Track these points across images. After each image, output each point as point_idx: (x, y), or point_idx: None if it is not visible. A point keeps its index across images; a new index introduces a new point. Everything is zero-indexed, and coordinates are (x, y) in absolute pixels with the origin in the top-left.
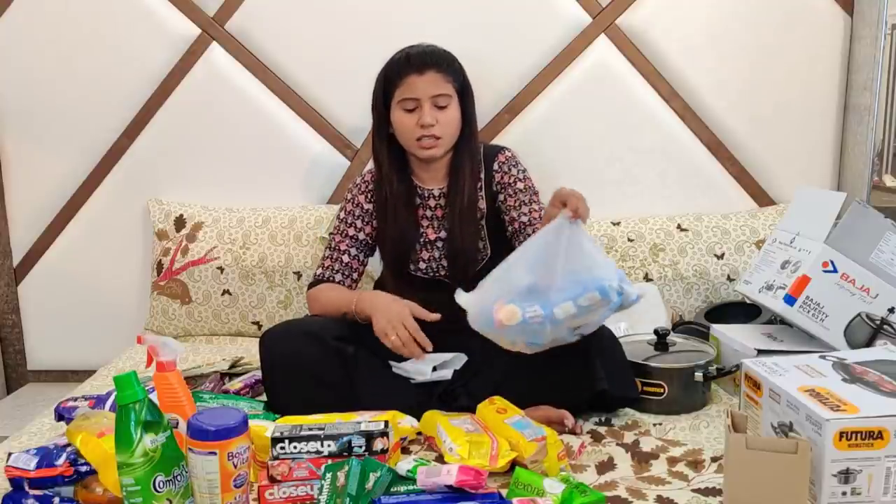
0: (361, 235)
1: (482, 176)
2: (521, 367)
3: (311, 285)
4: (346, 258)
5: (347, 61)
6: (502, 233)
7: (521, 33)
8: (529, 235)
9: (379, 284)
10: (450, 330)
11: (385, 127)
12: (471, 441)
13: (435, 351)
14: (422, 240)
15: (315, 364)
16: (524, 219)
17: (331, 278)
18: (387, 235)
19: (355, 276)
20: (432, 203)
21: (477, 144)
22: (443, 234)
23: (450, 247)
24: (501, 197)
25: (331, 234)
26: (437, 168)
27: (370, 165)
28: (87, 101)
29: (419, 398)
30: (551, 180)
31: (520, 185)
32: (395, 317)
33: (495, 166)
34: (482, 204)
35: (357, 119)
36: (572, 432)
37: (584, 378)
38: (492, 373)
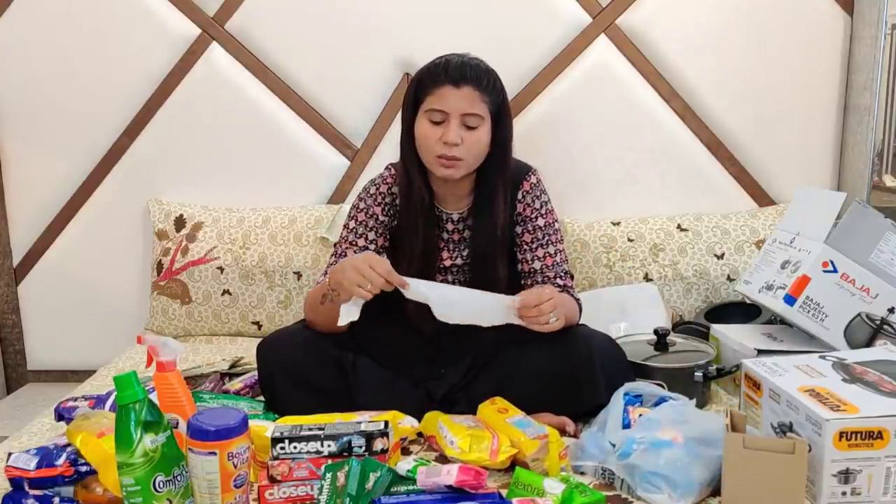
0: (373, 247)
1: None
2: (522, 373)
3: None
4: None
5: (347, 61)
6: (515, 260)
7: (521, 33)
8: (538, 282)
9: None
10: (454, 339)
11: (412, 135)
12: (472, 435)
13: (438, 360)
14: (437, 264)
15: (312, 373)
16: (536, 265)
17: None
18: (407, 255)
19: None
20: (450, 227)
21: (510, 175)
22: (459, 260)
23: (474, 276)
24: (519, 230)
25: (336, 243)
26: (456, 189)
27: (380, 172)
28: (87, 101)
29: (419, 404)
30: (551, 180)
31: (540, 222)
32: (352, 271)
33: (519, 195)
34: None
35: (357, 119)
36: (574, 436)
37: (585, 390)
38: (492, 379)
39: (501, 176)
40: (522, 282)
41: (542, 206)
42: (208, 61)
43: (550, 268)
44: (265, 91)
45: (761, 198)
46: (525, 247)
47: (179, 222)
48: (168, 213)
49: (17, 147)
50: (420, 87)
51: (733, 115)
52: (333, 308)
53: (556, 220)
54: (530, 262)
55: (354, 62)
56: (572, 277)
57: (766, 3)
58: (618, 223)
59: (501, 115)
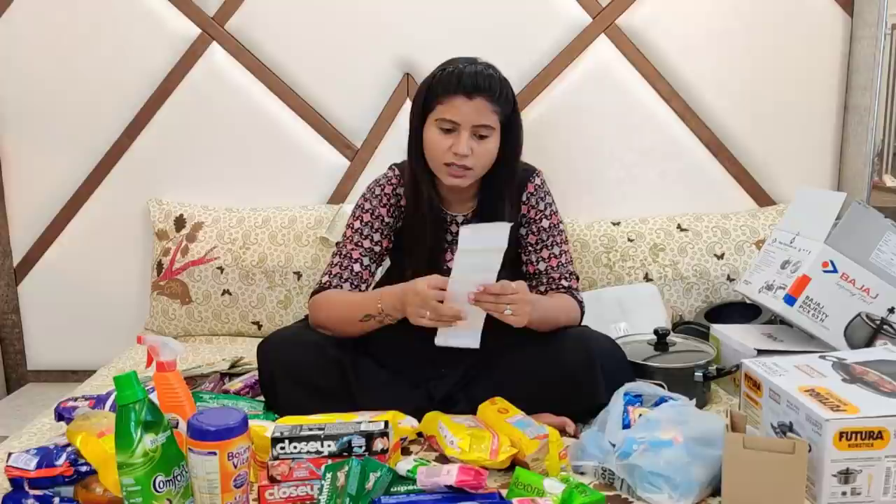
0: (378, 248)
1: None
2: (522, 373)
3: (315, 292)
4: (357, 267)
5: (348, 61)
6: (520, 261)
7: (522, 34)
8: (543, 283)
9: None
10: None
11: (420, 140)
12: (472, 435)
13: (438, 360)
14: (442, 266)
15: (312, 373)
16: (541, 266)
17: (338, 286)
18: (414, 257)
19: (363, 286)
20: (454, 229)
21: (516, 181)
22: None
23: None
24: (524, 231)
25: (338, 243)
26: (462, 192)
27: (384, 173)
28: (87, 101)
29: (419, 404)
30: (552, 180)
31: (544, 223)
32: (415, 301)
33: (524, 197)
34: None
35: (357, 119)
36: (574, 436)
37: (585, 390)
38: (491, 379)
39: (509, 182)
40: (528, 283)
41: (546, 208)
42: (208, 61)
43: (555, 269)
44: (265, 91)
45: (761, 198)
46: (530, 248)
47: (179, 222)
48: (168, 213)
49: (17, 147)
50: (430, 94)
51: (733, 115)
52: (374, 326)
53: (561, 222)
54: (535, 264)
55: (355, 62)
56: (578, 279)
57: (765, 3)
58: (618, 223)
59: (512, 123)
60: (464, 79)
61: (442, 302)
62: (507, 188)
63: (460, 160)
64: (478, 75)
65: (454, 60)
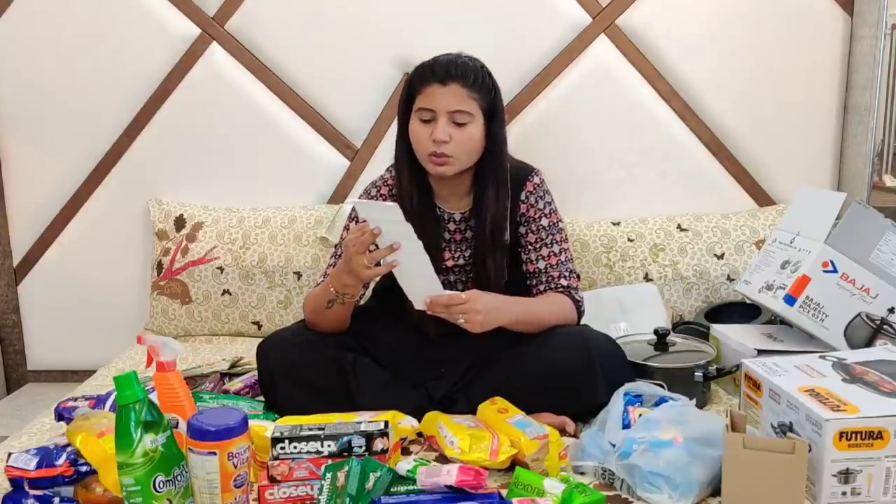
0: (372, 248)
1: (508, 203)
2: (522, 373)
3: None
4: None
5: (348, 61)
6: (520, 261)
7: (521, 33)
8: (543, 282)
9: (384, 291)
10: (454, 340)
11: (406, 135)
12: (472, 435)
13: (438, 360)
14: (440, 265)
15: (312, 373)
16: (541, 264)
17: None
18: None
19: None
20: (452, 227)
21: (505, 171)
22: (461, 260)
23: (477, 278)
24: (523, 230)
25: (336, 244)
26: (455, 187)
27: (381, 174)
28: (87, 101)
29: (419, 404)
30: (551, 180)
31: (544, 222)
32: (347, 266)
33: (523, 196)
34: (508, 233)
35: (357, 119)
36: (574, 436)
37: (585, 390)
38: (491, 379)
39: (495, 172)
40: (528, 282)
41: (545, 207)
42: (208, 61)
43: (555, 267)
44: (265, 91)
45: (761, 198)
46: (530, 247)
47: (179, 222)
48: (168, 213)
49: (17, 147)
50: (411, 87)
51: (733, 115)
52: (342, 311)
53: (561, 220)
54: (535, 263)
55: (354, 62)
56: (578, 277)
57: (765, 3)
58: (618, 223)
59: (494, 112)
60: (436, 67)
61: (375, 268)
62: (494, 177)
63: (440, 147)
64: (450, 63)
65: (436, 56)
